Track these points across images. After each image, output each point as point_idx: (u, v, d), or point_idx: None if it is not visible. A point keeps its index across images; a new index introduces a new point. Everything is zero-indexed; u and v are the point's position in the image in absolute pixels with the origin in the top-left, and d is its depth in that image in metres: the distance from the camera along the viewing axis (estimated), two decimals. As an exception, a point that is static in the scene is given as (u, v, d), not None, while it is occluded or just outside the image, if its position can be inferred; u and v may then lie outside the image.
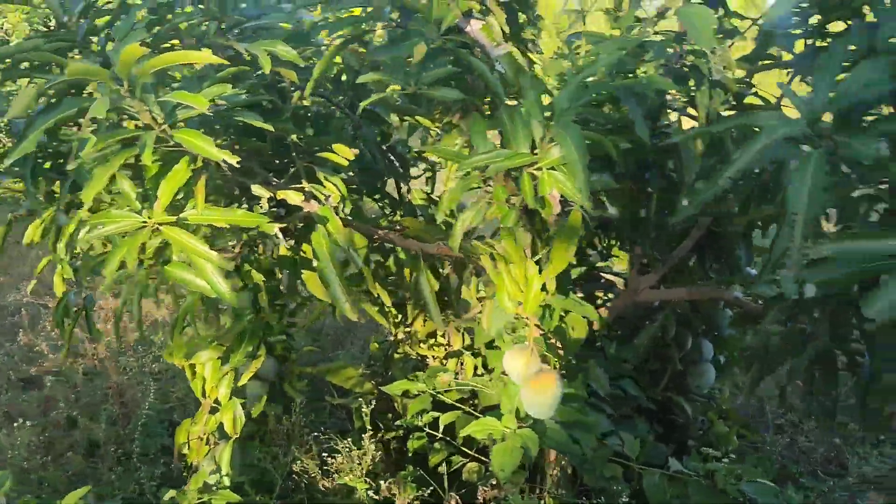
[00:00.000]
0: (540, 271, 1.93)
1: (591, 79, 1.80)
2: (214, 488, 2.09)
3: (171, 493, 2.01)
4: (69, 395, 3.70)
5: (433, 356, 3.28)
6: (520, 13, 2.59)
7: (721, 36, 2.13)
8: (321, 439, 3.14)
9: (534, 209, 1.84)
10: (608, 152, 1.77)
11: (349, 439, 2.73)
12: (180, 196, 1.78)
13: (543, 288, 1.98)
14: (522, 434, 2.09)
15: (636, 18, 2.39)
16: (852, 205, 1.28)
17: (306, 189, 2.13)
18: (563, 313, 2.28)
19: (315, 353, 4.61)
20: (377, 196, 3.07)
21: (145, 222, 1.71)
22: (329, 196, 2.10)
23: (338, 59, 2.54)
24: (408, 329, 3.37)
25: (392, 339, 3.51)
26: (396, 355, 3.53)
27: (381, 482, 2.32)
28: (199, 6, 2.09)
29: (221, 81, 1.78)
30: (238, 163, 1.66)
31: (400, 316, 3.28)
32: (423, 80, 1.89)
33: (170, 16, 2.08)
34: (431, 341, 3.29)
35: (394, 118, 2.75)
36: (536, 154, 1.74)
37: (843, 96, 1.18)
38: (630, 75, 2.09)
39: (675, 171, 2.14)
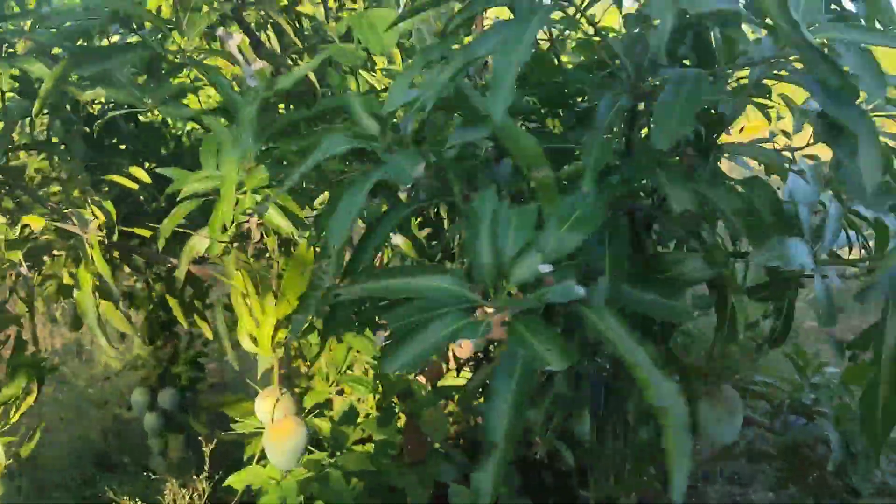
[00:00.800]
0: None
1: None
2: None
3: None
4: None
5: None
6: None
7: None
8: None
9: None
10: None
11: (173, 480, 2.57)
12: None
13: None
14: (283, 485, 1.89)
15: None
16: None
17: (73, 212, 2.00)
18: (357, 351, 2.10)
19: (235, 386, 4.47)
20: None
21: None
22: (90, 221, 1.96)
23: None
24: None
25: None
26: (298, 390, 3.37)
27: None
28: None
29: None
30: None
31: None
32: (157, 96, 1.75)
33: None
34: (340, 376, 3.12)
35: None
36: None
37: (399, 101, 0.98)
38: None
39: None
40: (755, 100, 1.23)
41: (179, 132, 2.91)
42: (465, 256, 0.93)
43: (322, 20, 1.97)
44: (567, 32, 1.75)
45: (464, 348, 2.58)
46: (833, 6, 0.96)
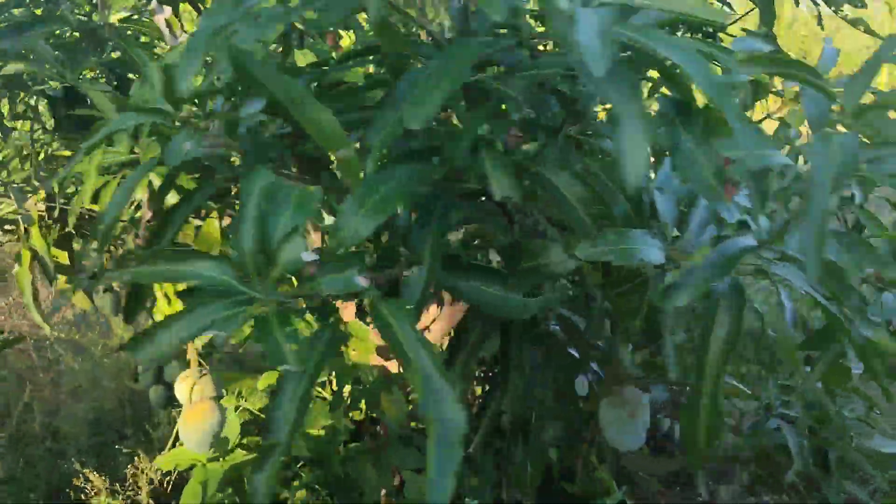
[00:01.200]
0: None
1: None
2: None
3: None
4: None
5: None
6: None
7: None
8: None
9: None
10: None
11: (141, 455, 2.58)
12: None
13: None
14: (209, 469, 1.86)
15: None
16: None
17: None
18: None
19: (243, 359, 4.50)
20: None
21: None
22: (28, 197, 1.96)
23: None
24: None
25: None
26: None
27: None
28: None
29: None
30: None
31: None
32: (77, 72, 1.72)
33: None
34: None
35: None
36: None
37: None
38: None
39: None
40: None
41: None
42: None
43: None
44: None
45: (433, 331, 2.50)
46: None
